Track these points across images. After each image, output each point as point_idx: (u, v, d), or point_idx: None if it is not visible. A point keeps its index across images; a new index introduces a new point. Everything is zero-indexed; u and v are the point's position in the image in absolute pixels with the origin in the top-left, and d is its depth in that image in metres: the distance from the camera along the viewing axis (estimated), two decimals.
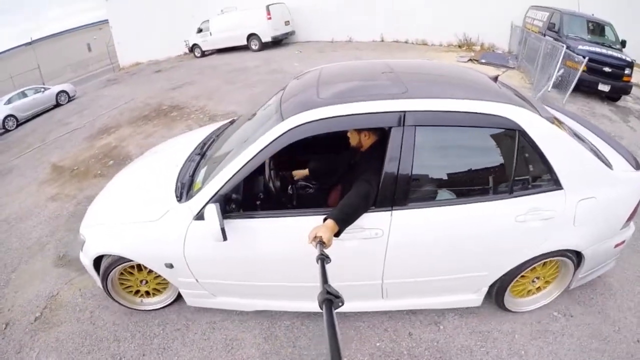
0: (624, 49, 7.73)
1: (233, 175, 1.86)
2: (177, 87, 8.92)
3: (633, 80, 7.30)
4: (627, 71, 6.99)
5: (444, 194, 1.95)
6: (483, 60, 9.63)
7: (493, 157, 1.98)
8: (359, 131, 2.04)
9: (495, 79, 2.25)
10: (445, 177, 1.98)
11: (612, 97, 7.39)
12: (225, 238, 1.76)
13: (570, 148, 1.90)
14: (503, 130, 1.86)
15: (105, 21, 19.29)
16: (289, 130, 1.80)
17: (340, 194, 2.21)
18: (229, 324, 2.43)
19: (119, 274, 2.36)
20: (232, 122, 3.03)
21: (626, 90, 7.21)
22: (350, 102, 1.81)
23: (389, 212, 1.85)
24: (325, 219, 1.63)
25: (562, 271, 2.30)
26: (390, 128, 1.79)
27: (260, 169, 1.98)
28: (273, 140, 1.82)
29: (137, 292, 2.51)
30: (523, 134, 1.82)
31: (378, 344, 2.27)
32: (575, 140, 1.94)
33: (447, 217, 1.89)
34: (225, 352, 2.26)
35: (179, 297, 2.52)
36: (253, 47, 13.02)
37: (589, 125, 2.58)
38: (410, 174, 1.81)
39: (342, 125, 1.88)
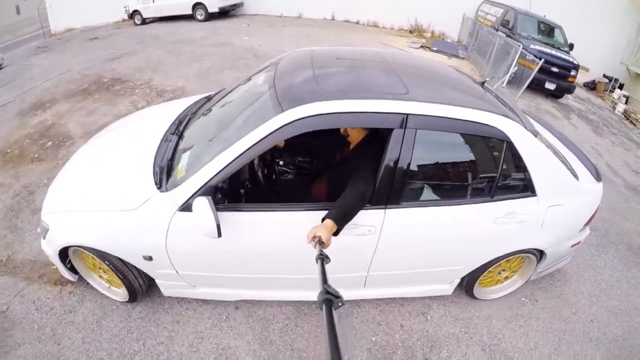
0: (571, 52, 8.41)
1: (224, 167, 1.76)
2: (117, 57, 7.98)
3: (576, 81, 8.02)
4: (572, 73, 7.67)
5: (433, 194, 2.04)
6: (435, 48, 9.93)
7: (480, 163, 2.11)
8: None
9: (482, 84, 2.33)
10: (436, 179, 2.11)
11: (555, 95, 8.09)
12: (220, 235, 1.67)
13: (547, 160, 2.07)
14: (493, 139, 1.96)
15: None
16: (289, 123, 1.72)
17: (326, 187, 2.19)
18: (218, 332, 2.29)
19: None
20: (208, 99, 2.81)
21: (570, 90, 7.96)
22: (354, 99, 1.78)
23: (383, 210, 1.90)
24: (323, 219, 1.61)
25: (526, 265, 2.53)
26: (391, 129, 1.79)
27: None
28: (271, 133, 1.73)
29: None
30: (510, 145, 1.94)
31: (374, 339, 2.33)
32: (552, 152, 2.10)
33: (434, 216, 2.00)
34: None
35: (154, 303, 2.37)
36: (198, 17, 12.10)
37: (560, 136, 2.83)
38: (406, 175, 1.85)
39: (345, 122, 1.88)
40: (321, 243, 1.45)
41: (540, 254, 2.35)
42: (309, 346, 2.24)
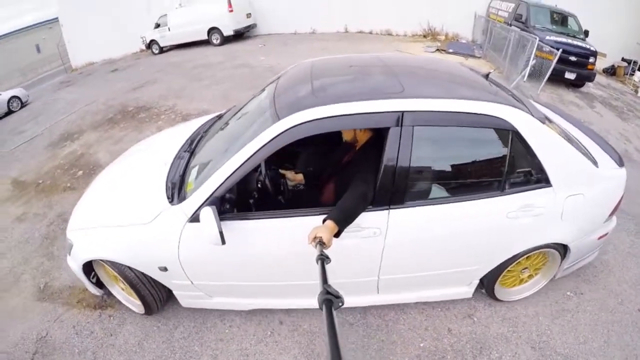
0: (587, 39, 8.20)
1: (228, 177, 1.82)
2: (139, 86, 8.33)
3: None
4: (591, 60, 7.47)
5: (438, 192, 1.98)
6: (450, 50, 9.84)
7: (487, 156, 2.03)
8: None
9: (487, 76, 2.27)
10: (440, 176, 2.02)
11: (576, 84, 7.88)
12: (223, 242, 1.72)
13: (560, 147, 1.97)
14: (497, 130, 1.89)
15: (56, 19, 17.68)
16: (285, 130, 1.76)
17: (334, 191, 2.19)
18: (263, 348, 2.26)
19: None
20: (219, 117, 2.92)
21: (590, 78, 7.72)
22: (347, 102, 1.78)
23: (387, 211, 1.87)
24: (324, 220, 1.63)
25: (549, 262, 2.41)
26: (388, 128, 1.77)
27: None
28: (269, 142, 1.78)
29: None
30: (516, 134, 1.87)
31: (422, 345, 2.27)
32: (565, 139, 2.01)
33: (441, 214, 1.93)
34: None
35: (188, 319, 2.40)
36: (214, 41, 12.51)
37: (576, 122, 2.71)
38: (407, 173, 1.82)
39: (340, 125, 1.85)
40: (322, 244, 1.45)
41: (564, 249, 2.22)
42: (356, 357, 2.18)
